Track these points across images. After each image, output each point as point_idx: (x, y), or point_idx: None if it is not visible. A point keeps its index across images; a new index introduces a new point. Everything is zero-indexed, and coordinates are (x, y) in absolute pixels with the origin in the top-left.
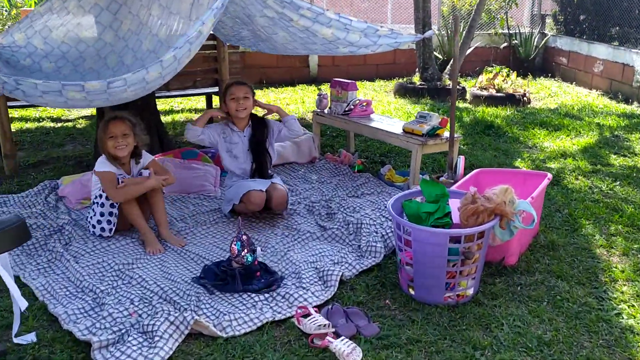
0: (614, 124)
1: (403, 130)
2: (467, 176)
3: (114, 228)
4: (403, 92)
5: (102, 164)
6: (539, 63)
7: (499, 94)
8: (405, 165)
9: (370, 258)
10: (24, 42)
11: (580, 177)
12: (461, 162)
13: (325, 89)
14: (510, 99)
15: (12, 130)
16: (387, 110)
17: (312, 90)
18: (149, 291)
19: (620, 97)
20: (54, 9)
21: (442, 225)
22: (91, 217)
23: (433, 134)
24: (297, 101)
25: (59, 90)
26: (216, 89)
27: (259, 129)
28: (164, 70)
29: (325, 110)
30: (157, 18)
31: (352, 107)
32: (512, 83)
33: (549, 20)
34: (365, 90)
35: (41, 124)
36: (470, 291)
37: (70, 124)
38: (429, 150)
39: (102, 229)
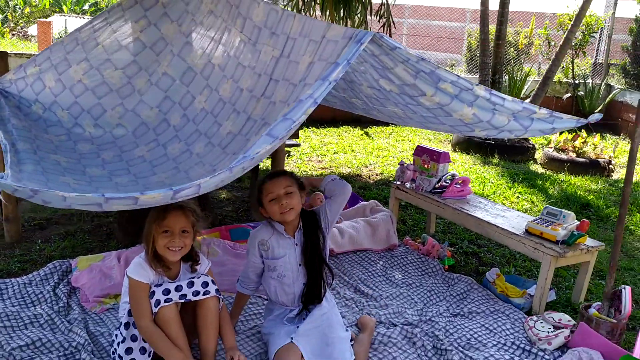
0: None
1: (526, 230)
2: None
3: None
4: (465, 146)
5: (138, 267)
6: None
7: (580, 159)
8: (508, 262)
9: None
10: (33, 78)
11: None
12: (627, 294)
13: (405, 157)
14: (594, 166)
15: None
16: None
17: (359, 134)
18: None
19: None
20: (79, 40)
21: None
22: (117, 344)
23: (572, 242)
24: (346, 149)
25: (98, 204)
26: None
27: (312, 229)
28: (248, 163)
29: (407, 184)
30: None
31: (444, 184)
32: (594, 146)
33: (612, 72)
34: (417, 139)
35: None
36: None
37: None
38: (565, 263)
39: None
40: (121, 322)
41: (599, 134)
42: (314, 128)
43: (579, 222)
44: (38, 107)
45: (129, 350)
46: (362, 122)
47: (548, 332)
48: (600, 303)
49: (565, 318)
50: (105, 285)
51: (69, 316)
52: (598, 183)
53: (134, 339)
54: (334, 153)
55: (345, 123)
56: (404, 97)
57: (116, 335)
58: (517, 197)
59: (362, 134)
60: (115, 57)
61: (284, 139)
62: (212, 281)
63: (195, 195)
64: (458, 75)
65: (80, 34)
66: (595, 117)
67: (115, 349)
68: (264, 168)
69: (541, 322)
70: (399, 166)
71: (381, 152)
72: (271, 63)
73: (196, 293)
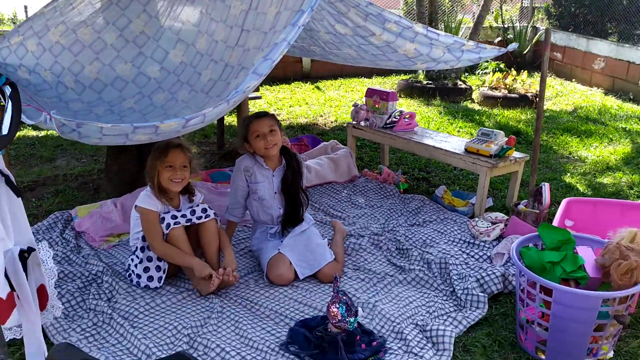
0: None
1: (465, 149)
2: (560, 209)
3: (164, 276)
4: (409, 91)
5: (147, 198)
6: (529, 58)
7: (512, 95)
8: (453, 182)
9: (474, 310)
10: (17, 46)
11: None
12: (547, 189)
13: (359, 98)
14: (524, 100)
15: None
16: None
17: (310, 88)
18: None
19: (629, 96)
20: (58, 7)
21: (576, 279)
22: (135, 265)
23: (502, 155)
24: (300, 102)
25: (126, 134)
26: None
27: (293, 167)
28: (241, 96)
29: (362, 123)
30: (194, 25)
31: (394, 119)
32: (523, 82)
33: (540, 14)
34: (365, 88)
35: (22, 131)
36: (611, 354)
37: (55, 131)
38: (498, 172)
39: (150, 278)
40: (137, 247)
41: (526, 71)
42: (267, 86)
43: (507, 139)
44: (23, 70)
45: (146, 269)
46: (311, 77)
47: (487, 227)
48: (526, 200)
49: (500, 215)
50: (107, 227)
51: (81, 253)
52: (527, 114)
53: (149, 259)
54: (290, 107)
55: (296, 79)
56: (357, 38)
57: (132, 259)
58: (458, 131)
59: (313, 88)
60: (86, 16)
61: (265, 75)
62: (209, 207)
63: (201, 124)
64: (400, 16)
65: (58, 2)
66: (513, 46)
67: (132, 271)
68: (227, 124)
69: (481, 221)
70: (352, 107)
71: (333, 102)
72: (241, 16)
73: (198, 217)
